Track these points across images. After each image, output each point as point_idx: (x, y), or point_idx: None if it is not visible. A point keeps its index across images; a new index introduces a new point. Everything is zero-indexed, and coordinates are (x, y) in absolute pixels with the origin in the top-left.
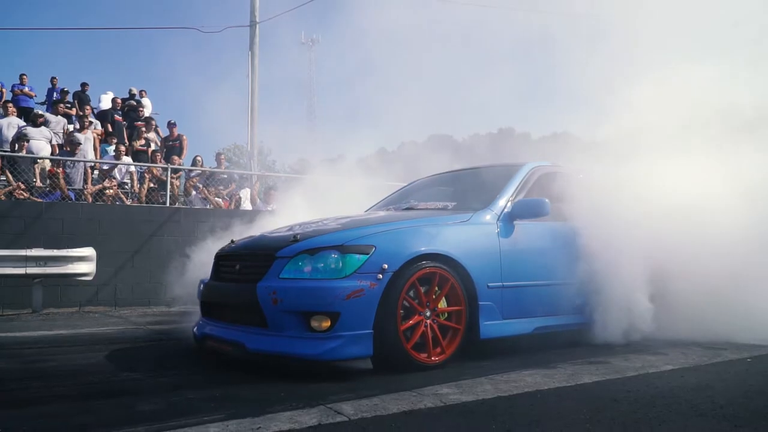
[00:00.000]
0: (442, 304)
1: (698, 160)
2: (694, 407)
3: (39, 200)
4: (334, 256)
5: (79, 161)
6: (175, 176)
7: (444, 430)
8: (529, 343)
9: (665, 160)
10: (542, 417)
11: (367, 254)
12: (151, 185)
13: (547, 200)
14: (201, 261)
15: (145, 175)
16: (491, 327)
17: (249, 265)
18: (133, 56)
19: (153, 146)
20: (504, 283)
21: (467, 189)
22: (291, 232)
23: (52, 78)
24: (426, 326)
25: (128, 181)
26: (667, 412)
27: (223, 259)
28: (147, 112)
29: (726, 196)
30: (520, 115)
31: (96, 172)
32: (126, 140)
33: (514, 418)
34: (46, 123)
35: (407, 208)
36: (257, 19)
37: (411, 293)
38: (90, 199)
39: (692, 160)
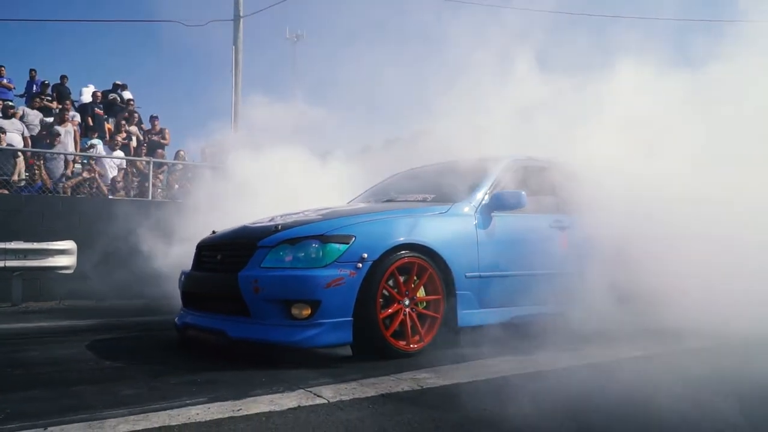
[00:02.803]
0: (421, 293)
1: (674, 152)
2: (657, 389)
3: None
4: (315, 245)
5: (59, 153)
6: (159, 170)
7: (420, 411)
8: (507, 332)
9: (640, 153)
10: (517, 397)
11: (347, 244)
12: (136, 180)
13: (523, 192)
14: (182, 254)
15: (128, 169)
16: (469, 316)
17: (231, 254)
18: (115, 49)
19: (135, 140)
20: (481, 273)
21: (446, 181)
22: (272, 223)
23: (31, 70)
24: (405, 315)
25: (112, 175)
26: (632, 396)
27: (204, 249)
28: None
29: (698, 190)
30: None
31: (78, 165)
32: (107, 134)
33: (489, 399)
34: (23, 116)
35: (387, 201)
36: (241, 13)
37: (390, 282)
38: (69, 192)
39: (667, 150)
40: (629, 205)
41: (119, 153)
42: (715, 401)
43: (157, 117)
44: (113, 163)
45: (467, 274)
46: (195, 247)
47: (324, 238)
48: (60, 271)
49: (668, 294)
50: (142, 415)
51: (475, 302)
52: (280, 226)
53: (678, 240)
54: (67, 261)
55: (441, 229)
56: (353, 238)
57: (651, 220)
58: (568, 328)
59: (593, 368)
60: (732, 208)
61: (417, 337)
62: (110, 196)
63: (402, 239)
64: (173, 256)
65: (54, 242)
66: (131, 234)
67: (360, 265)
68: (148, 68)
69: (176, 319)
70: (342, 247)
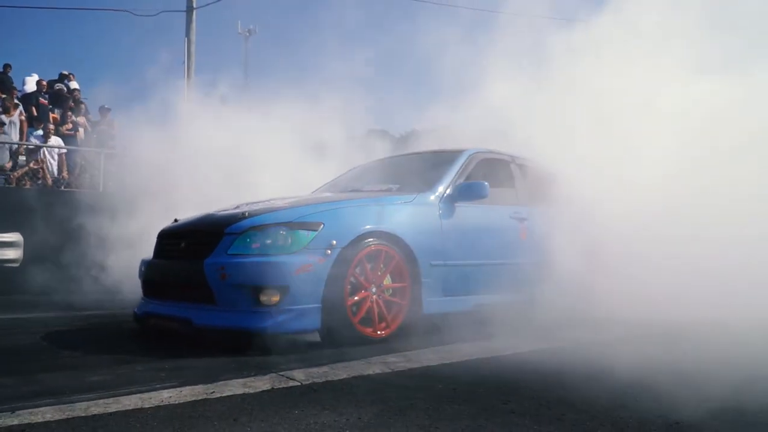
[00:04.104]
0: (387, 280)
1: (628, 144)
2: (612, 370)
3: None
4: (283, 232)
5: (3, 143)
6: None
7: (393, 391)
8: (470, 319)
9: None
10: (484, 378)
11: (316, 231)
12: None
13: (486, 183)
14: (134, 245)
15: (77, 160)
16: (433, 303)
17: (196, 242)
18: (61, 38)
19: (82, 131)
20: (446, 262)
21: (410, 173)
22: (238, 210)
23: None
24: (372, 302)
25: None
26: (590, 377)
27: (166, 237)
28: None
29: (652, 182)
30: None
31: (23, 157)
32: (51, 124)
33: (458, 380)
34: None
35: (352, 191)
36: (194, 5)
37: (358, 270)
38: (14, 183)
39: (622, 143)
40: (585, 199)
41: (56, 141)
42: (670, 383)
43: (109, 109)
44: (53, 156)
45: (432, 263)
46: (156, 236)
47: (292, 225)
48: (6, 264)
49: (620, 284)
50: (112, 398)
51: (439, 290)
52: (247, 213)
53: (634, 233)
54: (14, 254)
55: (407, 218)
56: (322, 225)
57: (607, 214)
58: (528, 314)
59: (552, 352)
60: (690, 202)
61: (384, 324)
62: (63, 188)
63: (370, 227)
64: (124, 248)
65: None
66: (80, 226)
67: (329, 251)
68: (96, 59)
69: (136, 309)
70: (311, 234)
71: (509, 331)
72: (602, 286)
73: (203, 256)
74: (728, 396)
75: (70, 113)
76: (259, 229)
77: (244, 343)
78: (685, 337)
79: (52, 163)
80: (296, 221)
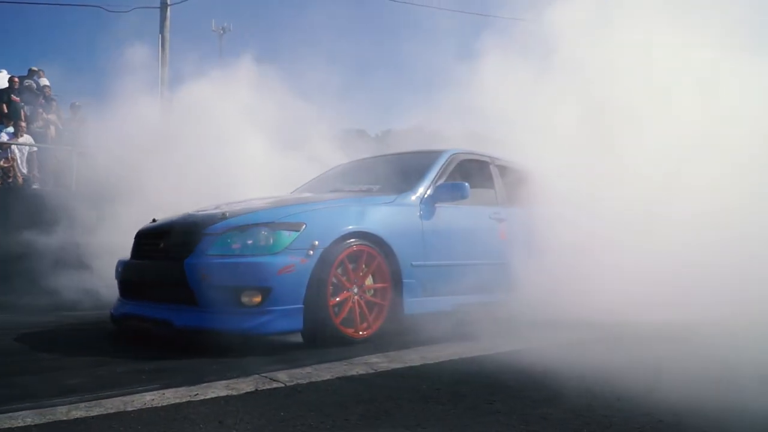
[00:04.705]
0: (369, 281)
1: (610, 143)
2: (592, 371)
3: None
4: (264, 233)
5: None
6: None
7: (377, 391)
8: (451, 319)
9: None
10: (467, 378)
11: (298, 231)
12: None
13: (466, 184)
14: (104, 246)
15: (49, 158)
16: (414, 303)
17: (175, 242)
18: (31, 34)
19: (53, 129)
20: (426, 262)
21: (391, 173)
22: (218, 211)
23: None
24: (354, 302)
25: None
26: (574, 376)
27: (144, 237)
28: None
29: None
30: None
31: None
32: (23, 120)
33: (442, 380)
34: None
35: (332, 191)
36: (168, 1)
37: (339, 270)
38: None
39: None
40: (565, 199)
41: (27, 139)
42: (654, 382)
43: (80, 106)
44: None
45: (413, 263)
46: (134, 236)
47: (274, 226)
48: None
49: (601, 284)
50: (94, 402)
51: (420, 290)
52: (227, 214)
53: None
54: None
55: (388, 219)
56: (304, 226)
57: (581, 215)
58: (508, 314)
59: (534, 352)
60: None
61: (365, 325)
62: (35, 186)
63: (352, 227)
64: (97, 248)
65: None
66: (51, 225)
67: (311, 252)
68: (68, 55)
69: (112, 310)
70: (293, 234)
71: (490, 331)
72: (583, 287)
73: (183, 256)
74: (711, 394)
75: (41, 110)
76: (240, 229)
77: (224, 345)
78: (669, 337)
79: (23, 161)
80: (278, 221)
